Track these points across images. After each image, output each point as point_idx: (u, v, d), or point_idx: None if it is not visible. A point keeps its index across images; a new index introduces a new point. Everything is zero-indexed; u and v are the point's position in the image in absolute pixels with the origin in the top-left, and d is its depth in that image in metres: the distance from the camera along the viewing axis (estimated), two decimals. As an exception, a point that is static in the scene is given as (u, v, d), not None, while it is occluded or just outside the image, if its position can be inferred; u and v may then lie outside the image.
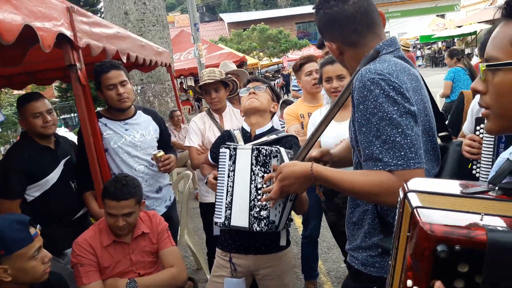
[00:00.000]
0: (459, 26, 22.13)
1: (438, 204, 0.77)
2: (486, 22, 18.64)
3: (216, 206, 1.94)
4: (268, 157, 1.76)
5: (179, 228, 3.34)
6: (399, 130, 1.24)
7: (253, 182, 1.79)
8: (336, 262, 3.81)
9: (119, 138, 2.62)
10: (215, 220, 1.93)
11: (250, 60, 18.19)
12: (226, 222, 1.88)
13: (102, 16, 9.84)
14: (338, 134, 2.44)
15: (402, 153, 1.23)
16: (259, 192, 1.76)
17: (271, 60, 25.00)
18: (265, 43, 24.43)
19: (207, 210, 2.99)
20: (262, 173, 1.77)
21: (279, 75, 22.93)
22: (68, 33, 2.30)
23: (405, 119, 1.25)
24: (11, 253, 1.58)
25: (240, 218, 1.83)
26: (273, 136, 2.04)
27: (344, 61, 1.51)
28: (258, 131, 2.11)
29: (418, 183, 0.88)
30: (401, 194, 0.87)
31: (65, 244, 2.42)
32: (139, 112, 2.78)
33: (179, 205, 3.48)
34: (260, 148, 1.78)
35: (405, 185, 0.87)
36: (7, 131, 16.27)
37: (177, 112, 6.58)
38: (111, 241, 2.11)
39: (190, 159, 2.94)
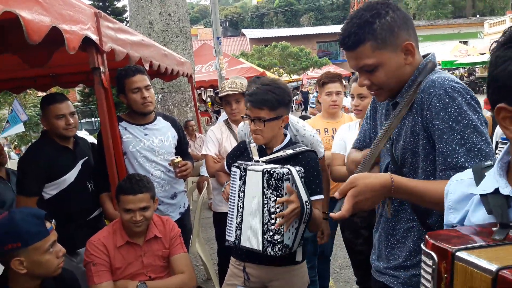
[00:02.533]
0: (482, 54, 21.93)
1: (497, 260, 0.72)
2: None
3: (227, 222, 1.95)
4: (280, 181, 1.73)
5: (191, 236, 3.34)
6: (483, 138, 1.23)
7: (265, 206, 1.77)
8: (348, 283, 3.74)
9: (138, 142, 2.65)
10: (227, 237, 1.95)
11: (270, 76, 18.32)
12: (237, 242, 1.89)
13: (128, 25, 10.08)
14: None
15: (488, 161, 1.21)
16: (272, 216, 1.74)
17: (290, 77, 25.12)
18: (285, 60, 24.60)
19: (220, 219, 2.98)
20: (275, 197, 1.75)
21: (298, 92, 23.01)
22: (94, 37, 2.36)
23: (484, 128, 1.25)
24: (27, 246, 1.60)
25: (252, 240, 1.83)
26: (289, 151, 1.98)
27: (405, 67, 1.40)
28: (275, 149, 2.04)
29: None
30: (434, 259, 0.83)
31: (78, 243, 2.45)
32: (159, 118, 2.82)
33: (192, 213, 3.47)
34: (271, 172, 1.74)
35: (442, 245, 0.82)
36: (29, 131, 16.63)
37: (191, 122, 6.65)
38: (125, 242, 2.12)
39: (206, 167, 2.94)
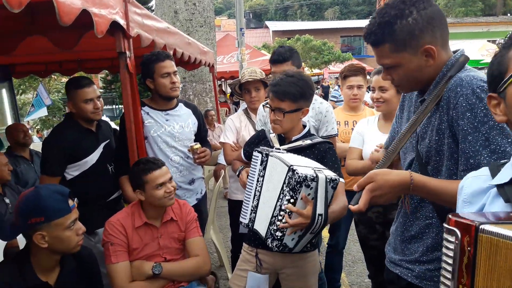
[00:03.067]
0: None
1: None
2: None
3: (243, 206, 1.97)
4: (299, 185, 1.66)
5: (206, 223, 3.39)
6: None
7: (279, 200, 1.74)
8: (360, 276, 3.74)
9: (159, 127, 2.70)
10: (241, 219, 1.96)
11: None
12: (250, 224, 1.90)
13: (153, 13, 10.18)
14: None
15: None
16: (281, 213, 1.72)
17: (312, 71, 24.91)
18: (307, 54, 24.38)
19: (235, 207, 3.02)
20: (289, 197, 1.69)
21: (319, 86, 22.84)
22: (122, 21, 2.40)
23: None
24: (50, 221, 1.66)
25: (261, 225, 1.84)
26: (308, 141, 2.00)
27: (427, 68, 1.39)
28: (293, 138, 2.05)
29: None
30: (457, 235, 0.85)
31: (97, 224, 2.52)
32: (181, 105, 2.86)
33: (208, 201, 3.53)
34: (295, 171, 1.66)
35: (465, 221, 0.84)
36: (51, 116, 17.00)
37: (211, 111, 6.73)
38: (143, 223, 2.18)
39: (224, 155, 2.98)
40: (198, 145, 2.68)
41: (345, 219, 2.91)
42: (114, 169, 2.76)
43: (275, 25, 39.71)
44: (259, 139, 2.18)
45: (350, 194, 1.60)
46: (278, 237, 1.73)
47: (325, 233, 4.29)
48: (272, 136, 2.09)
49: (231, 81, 3.72)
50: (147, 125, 2.69)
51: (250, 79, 2.86)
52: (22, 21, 2.57)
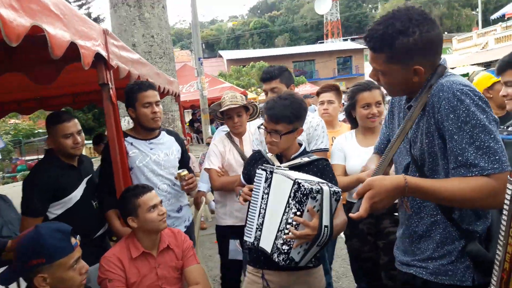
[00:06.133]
0: (452, 68, 22.86)
1: None
2: (479, 64, 19.28)
3: (247, 225, 1.98)
4: (305, 197, 1.69)
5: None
6: (492, 136, 1.32)
7: (285, 214, 1.77)
8: (347, 291, 3.78)
9: (144, 157, 2.67)
10: (245, 238, 1.97)
11: (249, 95, 18.52)
12: (255, 243, 1.91)
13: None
14: (364, 158, 2.50)
15: (497, 157, 1.31)
16: (288, 226, 1.74)
17: (268, 96, 25.40)
18: (264, 79, 24.89)
19: (224, 232, 3.00)
20: (295, 210, 1.72)
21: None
22: (104, 53, 2.40)
23: (493, 126, 1.34)
24: (52, 262, 1.58)
25: (266, 242, 1.86)
26: (306, 159, 2.05)
27: (411, 82, 1.49)
28: (292, 156, 2.09)
29: None
30: None
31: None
32: (163, 133, 2.85)
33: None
34: (301, 184, 1.71)
35: None
36: (2, 159, 16.26)
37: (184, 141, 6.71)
38: (140, 253, 2.12)
39: (211, 181, 2.97)
40: (185, 172, 2.67)
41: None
42: (98, 204, 2.67)
43: (228, 54, 40.43)
44: (256, 160, 2.21)
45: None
46: (285, 250, 1.75)
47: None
48: (270, 156, 2.13)
49: (190, 110, 3.74)
50: (132, 155, 2.66)
51: (232, 106, 2.91)
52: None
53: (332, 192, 1.74)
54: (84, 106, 7.23)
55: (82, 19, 2.13)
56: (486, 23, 36.86)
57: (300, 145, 2.15)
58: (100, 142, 5.99)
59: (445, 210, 1.48)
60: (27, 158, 18.93)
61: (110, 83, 2.49)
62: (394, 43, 1.41)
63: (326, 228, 1.72)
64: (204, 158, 7.06)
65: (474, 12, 46.40)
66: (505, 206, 1.16)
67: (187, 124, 15.33)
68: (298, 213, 1.72)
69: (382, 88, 2.75)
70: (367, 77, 2.69)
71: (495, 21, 29.79)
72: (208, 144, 7.72)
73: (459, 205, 1.41)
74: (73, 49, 1.98)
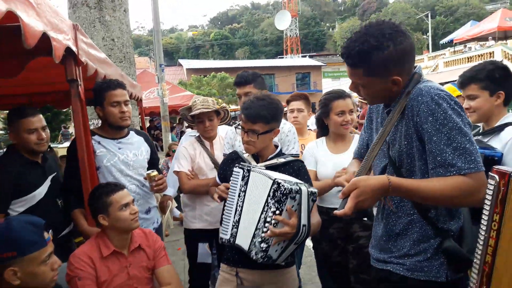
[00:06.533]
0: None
1: None
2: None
3: (222, 222, 1.97)
4: (285, 197, 1.72)
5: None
6: (467, 138, 1.41)
7: (264, 213, 1.79)
8: (312, 297, 3.82)
9: (112, 156, 2.60)
10: (221, 235, 1.96)
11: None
12: (232, 240, 1.91)
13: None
14: (335, 164, 2.56)
15: (473, 157, 1.39)
16: (266, 225, 1.76)
17: (229, 107, 25.47)
18: (224, 90, 24.96)
19: (193, 236, 2.96)
20: (274, 209, 1.74)
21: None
22: (74, 48, 2.33)
23: (468, 129, 1.43)
24: (23, 256, 1.52)
25: (244, 239, 1.86)
26: (282, 160, 2.08)
27: (390, 91, 1.57)
28: (269, 157, 2.12)
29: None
30: (496, 179, 1.26)
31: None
32: (132, 133, 2.79)
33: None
34: (280, 184, 1.73)
35: (502, 170, 1.25)
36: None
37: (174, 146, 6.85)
38: (111, 252, 2.06)
39: (180, 184, 2.93)
40: (155, 173, 2.62)
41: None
42: (63, 202, 2.56)
43: (188, 63, 40.15)
44: (233, 160, 2.21)
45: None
46: (263, 248, 1.76)
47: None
48: (247, 156, 2.14)
49: (149, 117, 3.69)
50: (99, 154, 2.58)
51: (204, 110, 2.90)
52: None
53: (309, 193, 1.78)
54: (40, 108, 6.92)
55: (54, 10, 2.07)
56: (436, 47, 39.06)
57: (276, 146, 2.18)
58: None
59: (421, 209, 1.56)
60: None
61: (79, 80, 2.41)
62: (370, 58, 1.49)
63: (304, 227, 1.76)
64: (165, 164, 6.96)
65: (424, 36, 49.02)
66: (486, 202, 1.25)
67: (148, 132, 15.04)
68: (277, 212, 1.74)
69: (353, 97, 2.86)
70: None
71: (444, 46, 31.70)
72: (168, 152, 7.64)
73: (439, 203, 1.49)
74: (41, 41, 1.91)
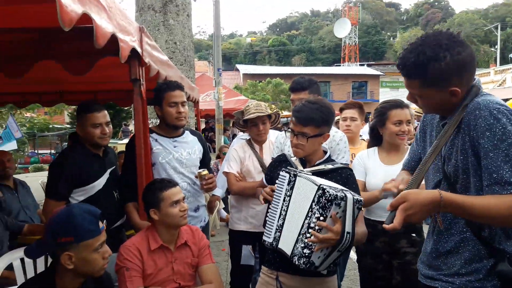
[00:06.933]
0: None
1: None
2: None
3: (266, 225, 1.99)
4: (330, 203, 1.71)
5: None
6: None
7: (307, 218, 1.78)
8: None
9: (167, 154, 2.71)
10: (264, 238, 1.98)
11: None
12: (274, 243, 1.92)
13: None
14: (386, 175, 2.50)
15: None
16: (310, 230, 1.76)
17: (282, 113, 25.53)
18: (278, 96, 25.06)
19: (237, 237, 3.01)
20: (319, 215, 1.74)
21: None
22: (139, 49, 2.46)
23: None
24: (80, 242, 1.61)
25: (287, 244, 1.86)
26: (330, 166, 2.07)
27: (449, 103, 1.52)
28: (316, 162, 2.11)
29: None
30: None
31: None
32: (187, 132, 2.90)
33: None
34: (325, 190, 1.72)
35: None
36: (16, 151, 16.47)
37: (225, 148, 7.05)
38: (159, 245, 2.15)
39: (229, 184, 3.00)
40: (205, 171, 2.71)
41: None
42: (119, 195, 2.71)
43: (245, 69, 40.73)
44: (280, 162, 2.23)
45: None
46: (306, 254, 1.76)
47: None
48: (294, 160, 2.15)
49: (204, 119, 3.79)
50: (156, 151, 2.70)
51: (259, 114, 2.95)
52: (36, 47, 2.59)
53: (355, 200, 1.76)
54: (104, 104, 7.32)
55: (123, 13, 2.21)
56: (504, 60, 36.83)
57: (325, 152, 2.17)
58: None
59: (475, 227, 1.49)
60: (40, 151, 19.13)
61: (141, 79, 2.55)
62: (427, 69, 1.45)
63: (348, 234, 1.74)
64: (215, 166, 7.12)
65: (492, 49, 46.46)
66: None
67: (202, 133, 15.45)
68: (322, 218, 1.73)
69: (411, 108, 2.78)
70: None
71: (514, 60, 29.87)
72: (219, 154, 7.80)
73: (493, 222, 1.42)
74: (109, 42, 2.04)
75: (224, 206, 6.42)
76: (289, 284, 2.03)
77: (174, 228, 2.20)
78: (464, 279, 1.51)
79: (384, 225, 1.41)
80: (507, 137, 1.35)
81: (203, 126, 17.16)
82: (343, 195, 1.73)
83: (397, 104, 2.64)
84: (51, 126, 20.27)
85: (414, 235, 2.55)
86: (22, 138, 15.90)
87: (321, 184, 1.76)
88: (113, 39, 2.04)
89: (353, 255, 3.07)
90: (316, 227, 1.74)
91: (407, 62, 1.49)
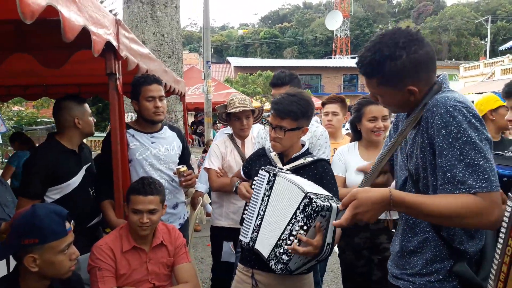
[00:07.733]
0: (458, 95, 22.94)
1: None
2: (484, 94, 19.37)
3: (244, 224, 1.96)
4: (316, 214, 1.67)
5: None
6: (482, 154, 1.30)
7: (290, 225, 1.74)
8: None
9: (144, 150, 2.66)
10: (241, 238, 1.95)
11: (253, 103, 18.66)
12: (251, 244, 1.89)
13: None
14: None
15: (486, 176, 1.29)
16: (291, 238, 1.72)
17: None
18: (269, 89, 24.96)
19: (218, 234, 2.97)
20: (302, 224, 1.70)
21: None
22: (115, 43, 2.39)
23: (485, 144, 1.33)
24: (45, 243, 1.56)
25: (264, 246, 1.83)
26: (309, 159, 2.04)
27: (409, 101, 1.50)
28: (293, 156, 2.08)
29: None
30: None
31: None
32: (165, 128, 2.84)
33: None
34: (313, 200, 1.68)
35: None
36: (3, 145, 16.24)
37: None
38: (131, 247, 2.10)
39: (210, 181, 2.95)
40: (184, 168, 2.66)
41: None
42: (95, 192, 2.65)
43: (236, 61, 40.57)
44: (259, 156, 2.20)
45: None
46: (284, 260, 1.73)
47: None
48: (273, 155, 2.11)
49: (193, 112, 3.73)
50: (132, 147, 2.64)
51: (244, 109, 2.90)
52: (11, 39, 2.51)
53: (338, 210, 1.72)
54: (89, 98, 7.23)
55: (96, 5, 2.13)
56: (494, 53, 37.04)
57: (303, 145, 2.12)
58: (14, 141, 6.05)
59: (435, 226, 1.47)
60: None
61: (117, 73, 2.48)
62: (383, 68, 1.43)
63: (328, 246, 1.72)
64: (201, 161, 7.07)
65: (482, 42, 46.72)
66: (503, 224, 1.15)
67: (190, 126, 15.33)
68: (305, 227, 1.70)
69: None
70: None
71: (503, 52, 29.96)
72: (206, 148, 7.76)
73: (445, 222, 1.39)
74: (84, 35, 1.98)
75: (210, 200, 6.40)
76: (264, 281, 2.00)
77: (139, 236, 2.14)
78: (424, 279, 1.49)
79: (333, 222, 1.42)
80: (462, 135, 1.33)
81: (192, 119, 17.06)
82: (329, 205, 1.69)
83: (373, 100, 2.61)
84: (39, 119, 19.97)
85: (394, 230, 2.53)
86: (7, 133, 15.70)
87: (308, 192, 1.71)
88: (86, 32, 1.98)
89: (336, 249, 3.06)
90: (297, 238, 1.70)
91: (364, 61, 1.48)
